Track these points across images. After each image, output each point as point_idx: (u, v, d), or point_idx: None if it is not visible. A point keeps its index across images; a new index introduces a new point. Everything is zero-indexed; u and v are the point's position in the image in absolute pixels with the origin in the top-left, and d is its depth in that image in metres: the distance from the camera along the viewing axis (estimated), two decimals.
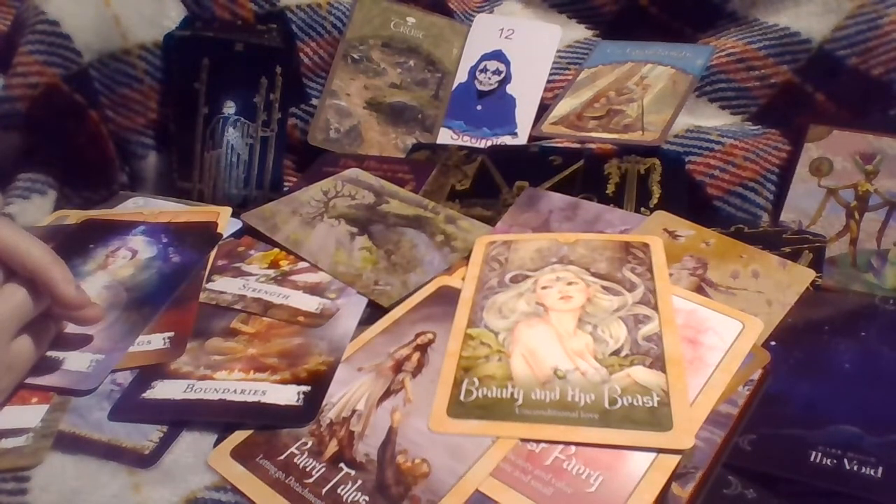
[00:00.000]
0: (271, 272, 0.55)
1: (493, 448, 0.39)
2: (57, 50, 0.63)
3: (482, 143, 0.75)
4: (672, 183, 0.63)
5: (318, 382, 0.44)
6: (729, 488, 0.38)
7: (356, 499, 0.37)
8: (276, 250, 0.58)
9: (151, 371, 0.45)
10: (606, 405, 0.40)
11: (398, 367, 0.45)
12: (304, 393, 0.43)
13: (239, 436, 0.41)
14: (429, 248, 0.57)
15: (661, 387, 0.41)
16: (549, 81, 0.78)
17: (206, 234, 0.58)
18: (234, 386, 0.44)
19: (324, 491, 0.37)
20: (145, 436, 0.41)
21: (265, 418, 0.42)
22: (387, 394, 0.43)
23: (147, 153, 0.71)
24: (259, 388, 0.44)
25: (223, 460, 0.40)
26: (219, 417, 0.42)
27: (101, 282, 0.52)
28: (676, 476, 0.37)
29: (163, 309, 0.50)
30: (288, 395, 0.43)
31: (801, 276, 0.52)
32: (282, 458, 0.40)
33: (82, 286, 0.44)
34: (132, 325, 0.48)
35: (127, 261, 0.54)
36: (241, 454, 0.40)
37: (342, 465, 0.39)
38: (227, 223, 0.60)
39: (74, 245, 0.56)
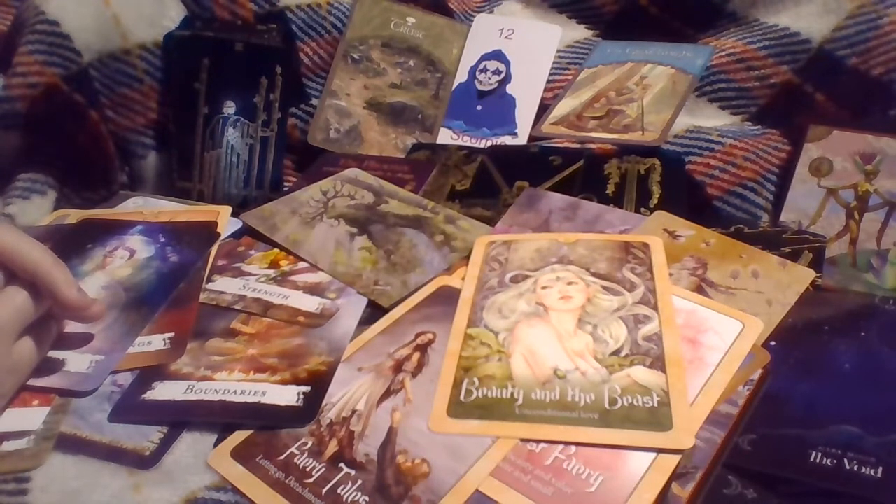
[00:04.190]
0: (271, 272, 0.55)
1: (493, 448, 0.39)
2: (57, 50, 0.63)
3: (482, 143, 0.75)
4: (672, 183, 0.63)
5: (318, 383, 0.44)
6: (729, 488, 0.38)
7: (356, 499, 0.37)
8: (276, 250, 0.57)
9: (152, 372, 0.45)
10: (606, 405, 0.40)
11: (398, 367, 0.45)
12: (303, 393, 0.43)
13: (239, 436, 0.41)
14: (428, 248, 0.57)
15: (661, 387, 0.41)
16: (549, 81, 0.78)
17: (203, 234, 0.58)
18: (234, 387, 0.44)
19: (324, 491, 0.37)
20: (146, 437, 0.41)
21: (265, 419, 0.42)
22: (387, 394, 0.43)
23: (147, 153, 0.71)
24: (259, 389, 0.44)
25: (223, 460, 0.40)
26: (219, 418, 0.42)
27: (100, 282, 0.52)
28: (676, 476, 0.37)
29: (161, 309, 0.50)
30: (288, 395, 0.43)
31: (801, 276, 0.52)
32: (282, 458, 0.40)
33: (81, 287, 0.44)
34: (131, 325, 0.48)
35: (125, 261, 0.54)
36: (241, 454, 0.40)
37: (342, 465, 0.39)
38: (226, 222, 0.60)
39: (72, 245, 0.56)
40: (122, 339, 0.47)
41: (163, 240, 0.57)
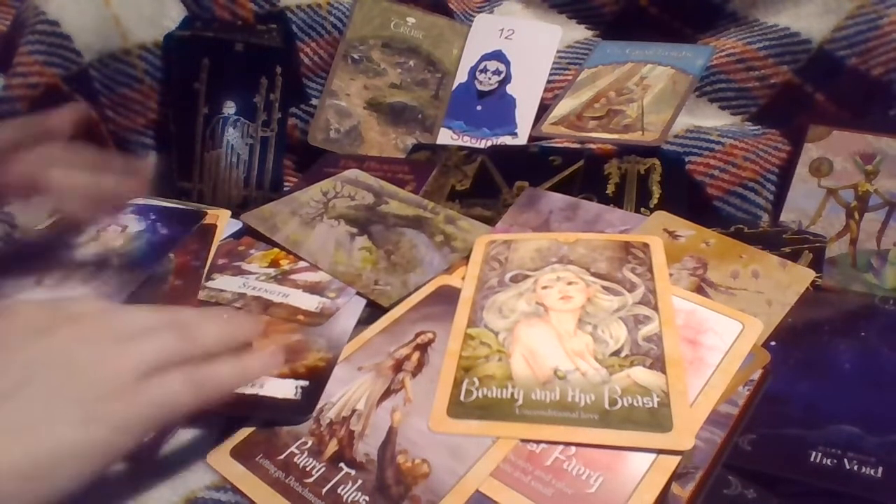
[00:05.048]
0: (271, 271, 0.55)
1: (494, 448, 0.39)
2: (57, 50, 0.63)
3: (482, 144, 0.75)
4: (672, 183, 0.63)
5: (317, 378, 0.44)
6: (729, 488, 0.38)
7: (356, 499, 0.37)
8: (277, 250, 0.58)
9: None
10: (606, 406, 0.40)
11: (398, 367, 0.45)
12: (302, 387, 0.43)
13: (239, 435, 0.41)
14: (428, 248, 0.57)
15: (661, 387, 0.41)
16: (549, 81, 0.78)
17: (192, 215, 0.60)
18: None
19: (324, 491, 0.37)
20: None
21: (263, 411, 0.42)
22: (387, 393, 0.43)
23: (147, 153, 0.71)
24: (257, 381, 0.44)
25: (223, 459, 0.40)
26: (216, 409, 0.42)
27: (92, 251, 0.54)
28: (676, 476, 0.37)
29: (150, 272, 0.52)
30: (286, 389, 0.43)
31: (801, 277, 0.52)
32: (282, 457, 0.39)
33: (72, 257, 0.48)
34: (122, 284, 0.50)
35: (118, 234, 0.57)
36: (241, 453, 0.40)
37: (342, 464, 0.39)
38: (225, 225, 0.60)
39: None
40: (111, 296, 0.49)
41: (153, 217, 0.59)
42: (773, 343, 0.47)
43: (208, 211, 0.61)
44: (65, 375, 0.33)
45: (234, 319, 0.41)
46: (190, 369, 0.35)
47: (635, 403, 0.40)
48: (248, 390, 0.43)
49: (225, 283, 0.53)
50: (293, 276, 0.54)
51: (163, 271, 0.53)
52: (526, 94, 0.77)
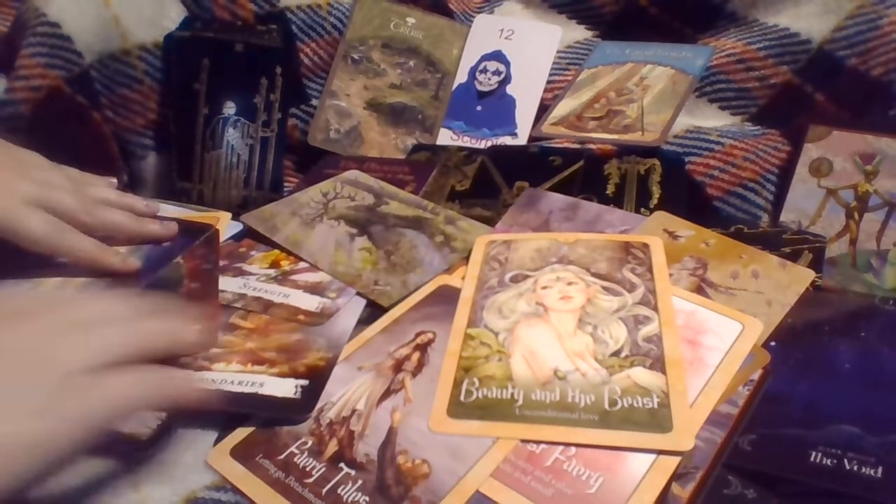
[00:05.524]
0: (272, 272, 0.55)
1: (494, 449, 0.39)
2: (58, 52, 0.63)
3: (482, 144, 0.75)
4: (672, 183, 0.63)
5: (317, 377, 0.44)
6: (729, 488, 0.38)
7: (356, 499, 0.37)
8: (277, 251, 0.58)
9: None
10: (606, 406, 0.40)
11: (398, 367, 0.45)
12: (302, 386, 0.43)
13: (239, 435, 0.41)
14: (428, 248, 0.57)
15: (661, 388, 0.41)
16: (548, 82, 0.78)
17: (195, 227, 0.59)
18: (231, 377, 0.44)
19: (324, 491, 0.37)
20: (144, 423, 0.41)
21: (262, 409, 0.42)
22: (387, 393, 0.43)
23: (147, 154, 0.71)
24: (257, 381, 0.44)
25: (223, 459, 0.40)
26: (216, 407, 0.42)
27: None
28: (676, 476, 0.37)
29: (149, 281, 0.52)
30: (286, 387, 0.43)
31: (800, 277, 0.52)
32: (282, 457, 0.40)
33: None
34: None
35: None
36: (241, 453, 0.40)
37: (342, 464, 0.39)
38: (226, 227, 0.60)
39: None
40: None
41: None
42: (773, 343, 0.47)
43: (210, 222, 0.60)
44: (12, 367, 0.33)
45: (180, 331, 0.40)
46: (144, 369, 0.36)
47: (635, 404, 0.40)
48: (248, 389, 0.43)
49: (225, 284, 0.53)
50: (293, 277, 0.54)
51: (174, 276, 0.53)
52: (526, 94, 0.77)
